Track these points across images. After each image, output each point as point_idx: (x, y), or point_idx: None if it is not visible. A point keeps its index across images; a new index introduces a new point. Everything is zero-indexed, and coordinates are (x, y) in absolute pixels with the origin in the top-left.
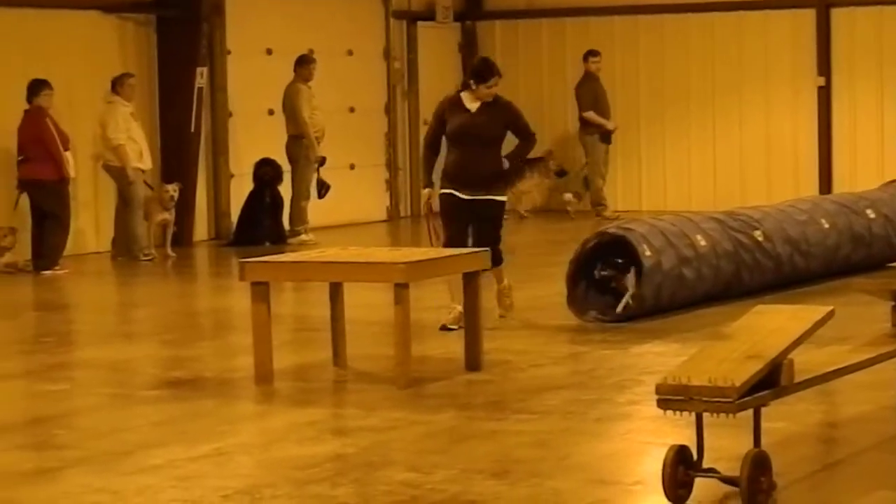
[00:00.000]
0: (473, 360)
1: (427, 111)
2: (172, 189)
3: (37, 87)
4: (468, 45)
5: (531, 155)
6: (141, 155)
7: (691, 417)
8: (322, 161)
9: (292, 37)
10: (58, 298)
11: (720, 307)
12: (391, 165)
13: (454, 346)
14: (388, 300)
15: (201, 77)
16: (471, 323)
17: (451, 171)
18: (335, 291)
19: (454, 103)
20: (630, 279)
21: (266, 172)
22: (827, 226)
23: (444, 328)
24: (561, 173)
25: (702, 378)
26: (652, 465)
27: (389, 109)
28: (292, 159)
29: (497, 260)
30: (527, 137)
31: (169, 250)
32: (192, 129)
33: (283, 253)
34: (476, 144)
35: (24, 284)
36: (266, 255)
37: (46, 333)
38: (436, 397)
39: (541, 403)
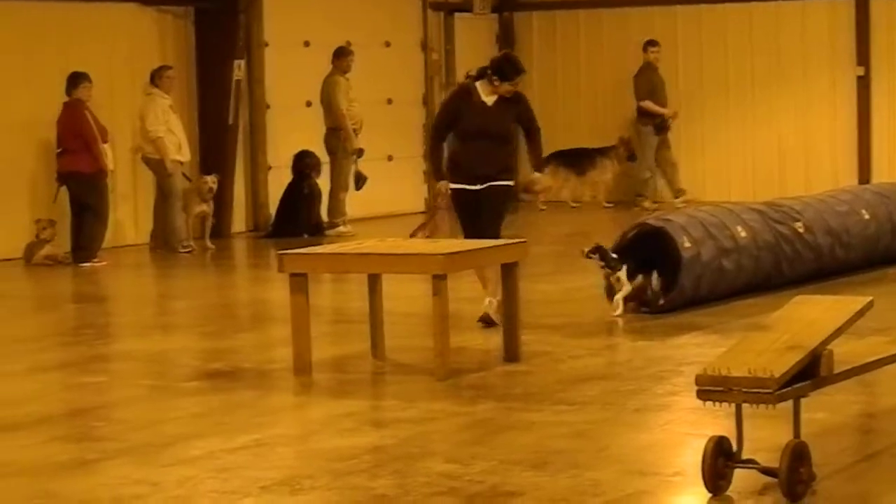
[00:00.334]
0: (512, 352)
1: None
2: (211, 181)
3: (76, 80)
4: (505, 36)
5: (604, 144)
6: (179, 147)
7: (730, 408)
8: (359, 153)
9: (330, 29)
10: (97, 290)
11: (759, 298)
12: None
13: (492, 337)
14: (426, 291)
15: (239, 69)
16: (509, 314)
17: (462, 166)
18: (373, 283)
19: (468, 95)
20: (654, 279)
21: (306, 165)
22: (867, 216)
23: (486, 320)
24: (632, 157)
25: (741, 369)
26: (691, 456)
27: (427, 101)
28: (330, 151)
29: None
30: (535, 131)
31: (207, 242)
32: (230, 122)
33: (321, 244)
34: (491, 141)
35: (64, 276)
36: (304, 246)
37: (85, 325)
38: (474, 388)
39: (579, 394)
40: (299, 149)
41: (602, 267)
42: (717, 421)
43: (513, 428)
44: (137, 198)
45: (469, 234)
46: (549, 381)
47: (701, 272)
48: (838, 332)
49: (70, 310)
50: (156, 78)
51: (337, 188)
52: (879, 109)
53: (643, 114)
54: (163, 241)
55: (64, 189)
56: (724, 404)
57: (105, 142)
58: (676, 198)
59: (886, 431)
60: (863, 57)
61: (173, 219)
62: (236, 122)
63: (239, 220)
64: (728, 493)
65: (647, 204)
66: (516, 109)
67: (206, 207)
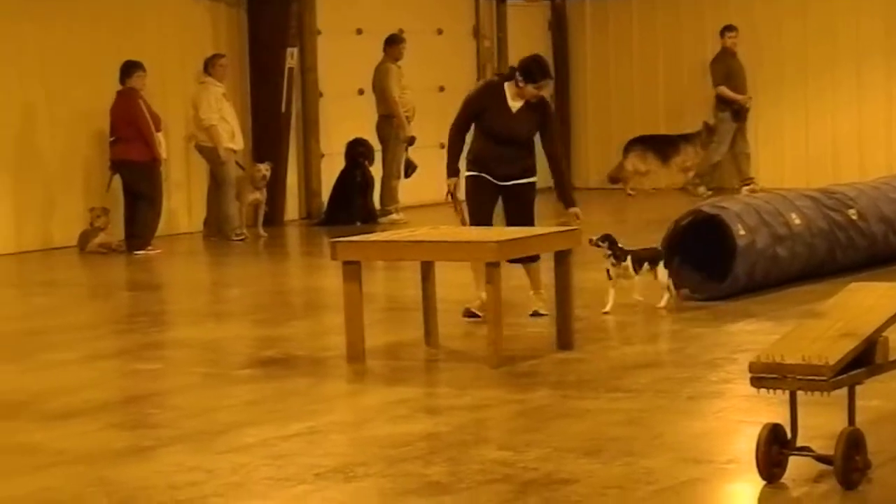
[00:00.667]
0: (565, 339)
1: None
2: (264, 169)
3: (130, 69)
4: (558, 23)
5: (689, 131)
6: (233, 135)
7: (785, 396)
8: (411, 141)
9: (382, 16)
10: (150, 279)
11: (813, 285)
12: None
13: (545, 324)
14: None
15: (292, 57)
16: (562, 301)
17: (483, 160)
18: (426, 270)
19: (496, 95)
20: (660, 272)
21: (359, 153)
22: None
23: (469, 314)
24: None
25: (796, 356)
26: (745, 444)
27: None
28: (383, 139)
29: (534, 256)
30: (560, 158)
31: (260, 230)
32: (283, 110)
33: (373, 232)
34: (513, 146)
35: (117, 265)
36: (357, 234)
37: (140, 313)
38: (528, 376)
39: (633, 382)
40: (352, 136)
41: (608, 256)
42: (771, 408)
43: (566, 415)
44: (191, 186)
45: (476, 221)
46: (603, 369)
47: (755, 260)
48: (893, 319)
49: (125, 298)
50: (209, 66)
51: (389, 176)
52: None
53: (721, 100)
54: (216, 229)
55: (117, 177)
56: (779, 392)
57: (158, 130)
58: (745, 186)
59: None
60: None
61: (226, 207)
62: (289, 110)
63: (292, 208)
64: (782, 480)
65: (700, 190)
66: (540, 120)
67: (259, 195)
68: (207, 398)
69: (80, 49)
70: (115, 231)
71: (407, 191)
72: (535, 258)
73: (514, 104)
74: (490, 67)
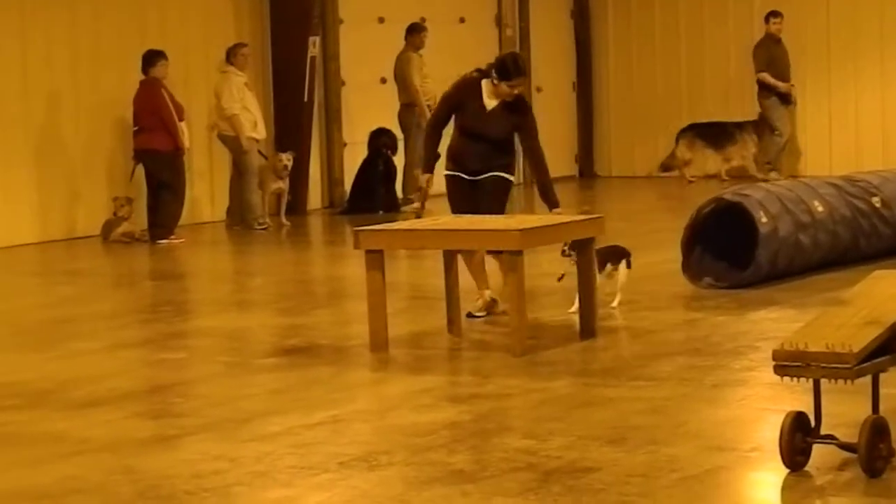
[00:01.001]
0: (588, 328)
1: (539, 79)
2: (286, 158)
3: (152, 58)
4: (580, 12)
5: (738, 119)
6: (255, 124)
7: (808, 384)
8: None
9: (404, 5)
10: (174, 268)
11: (837, 273)
12: None
13: (569, 313)
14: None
15: (314, 46)
16: (585, 291)
17: (458, 157)
18: (449, 259)
19: (472, 91)
20: (621, 271)
21: (383, 143)
22: None
23: (469, 315)
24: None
25: (819, 344)
26: (769, 432)
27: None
28: (405, 128)
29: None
30: (541, 160)
31: (283, 219)
32: (306, 99)
33: (396, 221)
34: (488, 143)
35: (141, 254)
36: (380, 223)
37: (163, 302)
38: (551, 364)
39: (656, 370)
40: (374, 125)
41: (575, 264)
42: (794, 396)
43: (590, 404)
44: (213, 175)
45: None
46: (626, 357)
47: (778, 247)
48: None
49: (148, 287)
50: (231, 55)
51: (411, 164)
52: None
53: (763, 86)
54: (239, 219)
55: (141, 167)
56: (802, 380)
57: (181, 120)
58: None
59: None
60: None
61: (249, 196)
62: (311, 99)
63: (314, 197)
64: (806, 468)
65: (773, 175)
66: (518, 119)
67: (282, 184)
68: (231, 387)
69: (104, 38)
70: (139, 220)
71: None
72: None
73: (490, 102)
74: None
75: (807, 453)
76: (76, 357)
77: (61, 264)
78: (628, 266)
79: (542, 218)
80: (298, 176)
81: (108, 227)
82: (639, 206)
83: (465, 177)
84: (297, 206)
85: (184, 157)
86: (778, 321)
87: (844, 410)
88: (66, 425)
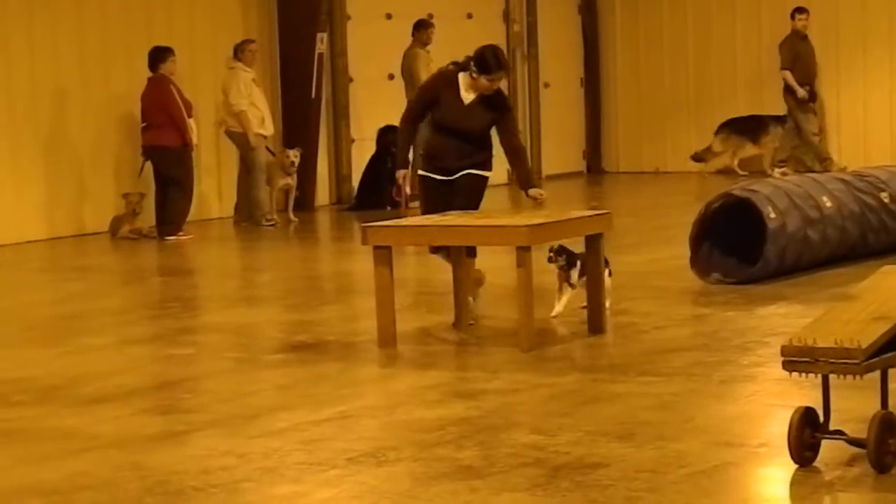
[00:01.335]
0: (596, 323)
1: (547, 74)
2: (293, 154)
3: (160, 55)
4: (588, 7)
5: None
6: (263, 121)
7: (817, 379)
8: None
9: (412, 1)
10: (182, 264)
11: (845, 269)
12: None
13: (577, 309)
14: (509, 263)
15: (322, 43)
16: (593, 286)
17: (434, 157)
18: (457, 255)
19: (449, 85)
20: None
21: (391, 140)
22: None
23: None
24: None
25: (828, 339)
26: (777, 428)
27: (509, 72)
28: None
29: (471, 251)
30: (519, 149)
31: (291, 215)
32: (313, 95)
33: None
34: (466, 139)
35: (149, 250)
36: (388, 219)
37: (171, 299)
38: (559, 360)
39: (665, 365)
40: (382, 121)
41: (560, 267)
42: (803, 392)
43: (598, 399)
44: (221, 171)
45: None
46: (634, 353)
47: (786, 243)
48: None
49: (156, 283)
50: (239, 52)
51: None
52: None
53: (787, 85)
54: (247, 215)
55: (149, 163)
56: (811, 375)
57: (190, 116)
58: (778, 167)
59: None
60: None
61: (257, 192)
62: (319, 95)
63: (322, 193)
64: (815, 464)
65: (832, 167)
66: (497, 113)
67: (290, 181)
68: (239, 383)
69: (112, 34)
70: (147, 217)
71: None
72: (472, 252)
73: (467, 96)
74: (520, 52)
75: (815, 449)
76: (85, 353)
77: (69, 261)
78: (609, 274)
79: (550, 214)
80: (306, 172)
81: (116, 224)
82: (647, 202)
83: (439, 177)
84: (304, 202)
85: (192, 153)
86: (786, 317)
87: (853, 406)
88: (75, 421)
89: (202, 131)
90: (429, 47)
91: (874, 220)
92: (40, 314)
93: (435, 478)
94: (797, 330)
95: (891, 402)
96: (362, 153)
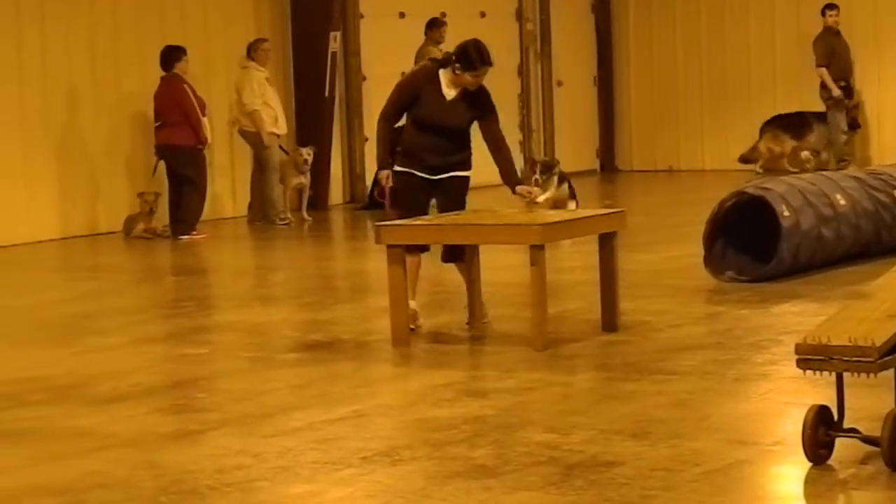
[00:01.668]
0: (610, 321)
1: (560, 72)
2: (307, 153)
3: (173, 54)
4: (601, 5)
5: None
6: (276, 120)
7: (831, 377)
8: None
9: None
10: (196, 263)
11: (859, 266)
12: (525, 127)
13: (590, 307)
14: (523, 262)
15: (335, 41)
16: (607, 284)
17: (415, 155)
18: (471, 253)
19: (430, 81)
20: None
21: None
22: None
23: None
24: (854, 125)
25: (842, 338)
26: (792, 426)
27: (522, 71)
28: None
29: (459, 254)
30: (503, 147)
31: (305, 214)
32: (327, 94)
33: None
34: (447, 137)
35: (163, 249)
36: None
37: (185, 298)
38: (573, 358)
39: (679, 364)
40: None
41: (539, 173)
42: (817, 390)
43: (612, 398)
44: (235, 171)
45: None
46: (649, 351)
47: (800, 241)
48: None
49: (170, 282)
50: (252, 51)
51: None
52: None
53: (823, 83)
54: (260, 214)
55: (162, 163)
56: (825, 373)
57: (203, 115)
58: (839, 162)
59: None
60: None
61: (270, 191)
62: (332, 94)
63: (336, 192)
64: (829, 462)
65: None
66: (479, 109)
67: (304, 179)
68: (254, 382)
69: (125, 33)
70: (161, 216)
71: None
72: (462, 256)
73: (449, 92)
74: (533, 50)
75: (829, 447)
76: (99, 352)
77: (83, 260)
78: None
79: (563, 213)
80: (320, 171)
81: (130, 223)
82: (660, 200)
83: (421, 174)
84: (318, 201)
85: (205, 152)
86: (800, 315)
87: (867, 404)
88: (90, 420)
89: (215, 131)
90: (441, 46)
91: (888, 217)
92: (54, 313)
93: (449, 477)
94: (811, 328)
95: None
96: (376, 152)
